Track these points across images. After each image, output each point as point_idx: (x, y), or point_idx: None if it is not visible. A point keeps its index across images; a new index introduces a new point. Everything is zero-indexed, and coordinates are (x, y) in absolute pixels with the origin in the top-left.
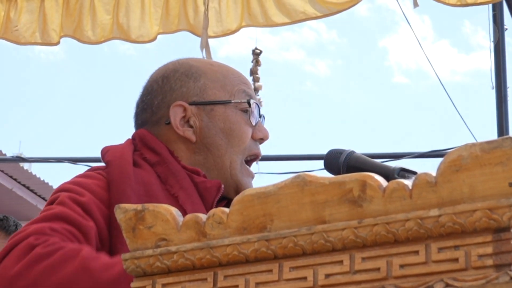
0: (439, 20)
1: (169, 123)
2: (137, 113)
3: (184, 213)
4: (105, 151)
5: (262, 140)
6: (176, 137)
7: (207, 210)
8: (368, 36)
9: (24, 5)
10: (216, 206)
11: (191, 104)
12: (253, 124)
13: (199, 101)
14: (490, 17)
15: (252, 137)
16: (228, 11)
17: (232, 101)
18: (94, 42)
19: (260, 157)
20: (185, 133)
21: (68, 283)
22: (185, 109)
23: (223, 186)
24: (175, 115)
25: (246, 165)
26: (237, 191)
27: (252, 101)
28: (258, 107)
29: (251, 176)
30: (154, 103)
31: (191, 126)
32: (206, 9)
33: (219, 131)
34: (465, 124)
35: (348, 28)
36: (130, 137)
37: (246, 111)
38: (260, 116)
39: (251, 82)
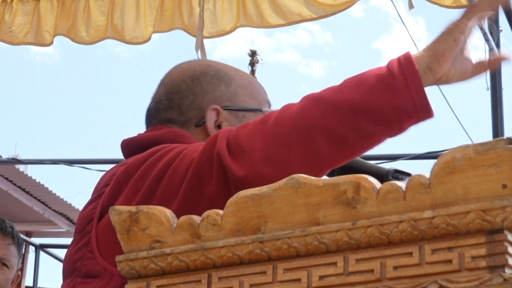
0: (433, 21)
1: (199, 125)
2: (159, 109)
3: None
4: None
5: None
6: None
7: None
8: (362, 38)
9: (19, 7)
10: None
11: (224, 109)
12: None
13: (232, 107)
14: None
15: None
16: (223, 12)
17: (263, 110)
18: (88, 42)
19: None
20: None
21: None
22: (218, 113)
23: None
24: (211, 118)
25: None
26: None
27: None
28: None
29: None
30: (183, 103)
31: None
32: (201, 11)
33: None
34: (461, 125)
35: (342, 29)
36: (157, 132)
37: None
38: None
39: None
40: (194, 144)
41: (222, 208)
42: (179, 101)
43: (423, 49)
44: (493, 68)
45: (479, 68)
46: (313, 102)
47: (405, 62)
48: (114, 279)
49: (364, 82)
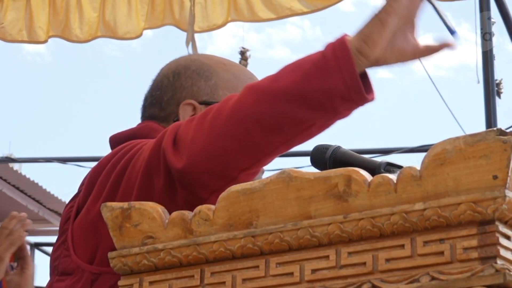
0: (423, 13)
1: (177, 121)
2: (144, 107)
3: None
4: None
5: None
6: None
7: None
8: (351, 32)
9: (10, 3)
10: None
11: (201, 103)
12: None
13: (209, 101)
14: (477, 9)
15: None
16: (214, 6)
17: None
18: (82, 40)
19: None
20: None
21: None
22: (194, 108)
23: None
24: (184, 113)
25: None
26: None
27: None
28: None
29: (262, 171)
30: (163, 99)
31: None
32: (192, 5)
33: None
34: (455, 118)
35: (332, 24)
36: (132, 128)
37: None
38: None
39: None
40: (152, 140)
41: (169, 202)
42: (160, 97)
43: (355, 32)
44: (437, 51)
45: (425, 51)
46: (249, 92)
47: (339, 45)
48: (84, 275)
49: (300, 67)
